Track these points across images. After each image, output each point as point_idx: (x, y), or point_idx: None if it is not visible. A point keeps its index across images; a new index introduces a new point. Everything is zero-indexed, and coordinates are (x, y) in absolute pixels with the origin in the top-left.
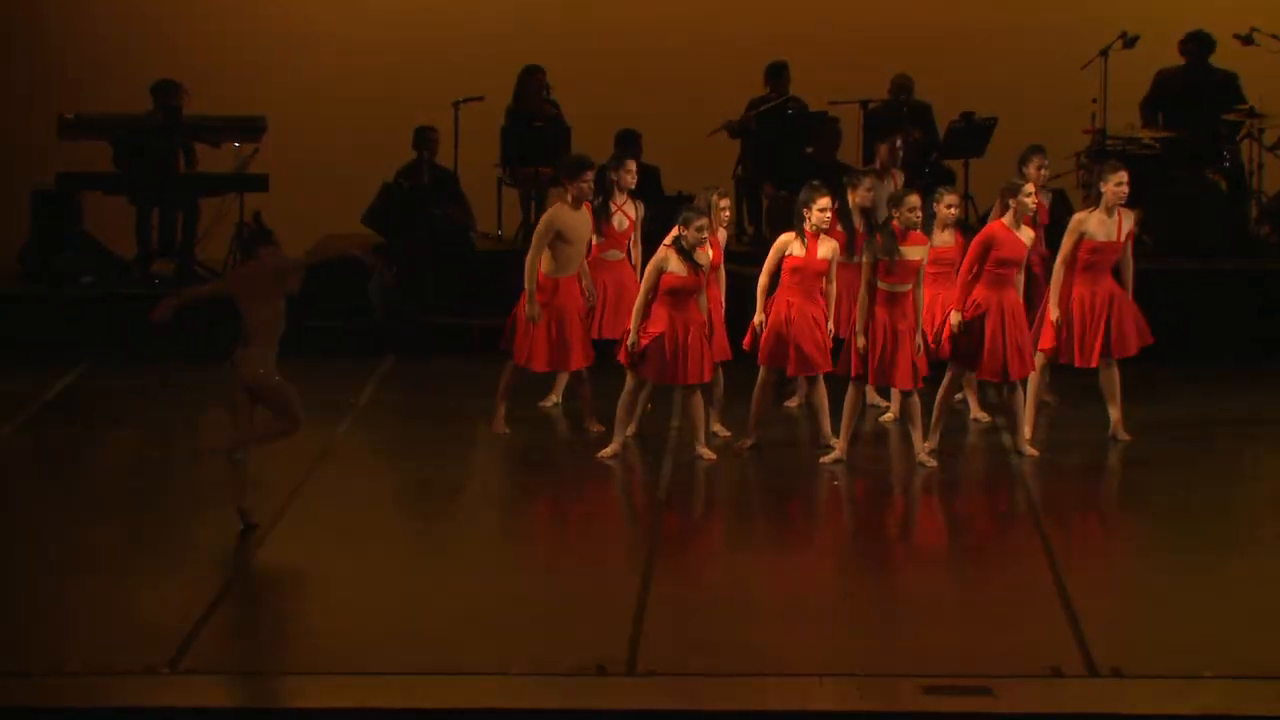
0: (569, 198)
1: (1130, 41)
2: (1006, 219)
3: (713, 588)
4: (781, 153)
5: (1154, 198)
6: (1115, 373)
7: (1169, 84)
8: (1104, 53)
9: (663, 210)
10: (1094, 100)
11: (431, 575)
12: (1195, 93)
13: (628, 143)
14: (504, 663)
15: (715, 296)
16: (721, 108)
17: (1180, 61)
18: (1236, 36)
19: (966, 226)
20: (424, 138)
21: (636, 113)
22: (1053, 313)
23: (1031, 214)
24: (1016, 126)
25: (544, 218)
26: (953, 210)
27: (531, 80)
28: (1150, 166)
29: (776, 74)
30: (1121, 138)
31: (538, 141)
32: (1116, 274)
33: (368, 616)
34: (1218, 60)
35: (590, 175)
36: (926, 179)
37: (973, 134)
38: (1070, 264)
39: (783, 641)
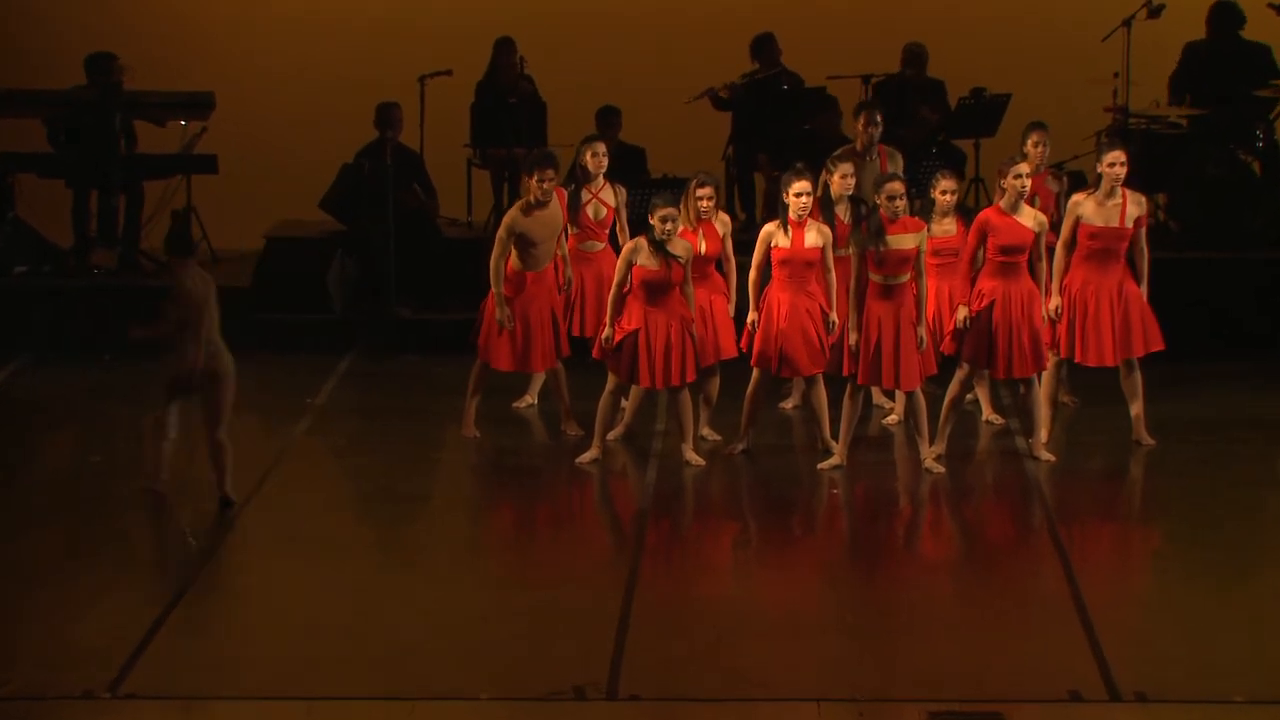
0: (530, 196)
1: (1156, 10)
2: (1002, 203)
3: (701, 604)
4: (777, 129)
5: (1180, 181)
6: (1137, 372)
7: (1197, 58)
8: (1127, 23)
9: (649, 195)
10: (1115, 75)
11: (394, 590)
12: (1225, 67)
13: (607, 122)
14: (473, 686)
15: (718, 288)
16: (711, 82)
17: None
18: (1271, 5)
19: (968, 212)
20: (387, 115)
21: (619, 89)
22: (1051, 300)
23: (1023, 195)
24: (1031, 103)
25: (504, 219)
26: (948, 196)
27: (505, 53)
28: (1177, 147)
29: (763, 47)
30: (1145, 116)
31: (511, 120)
32: (1133, 264)
33: (323, 635)
34: (1250, 33)
35: (550, 173)
36: (933, 160)
37: (984, 111)
38: (1070, 249)
39: (776, 663)
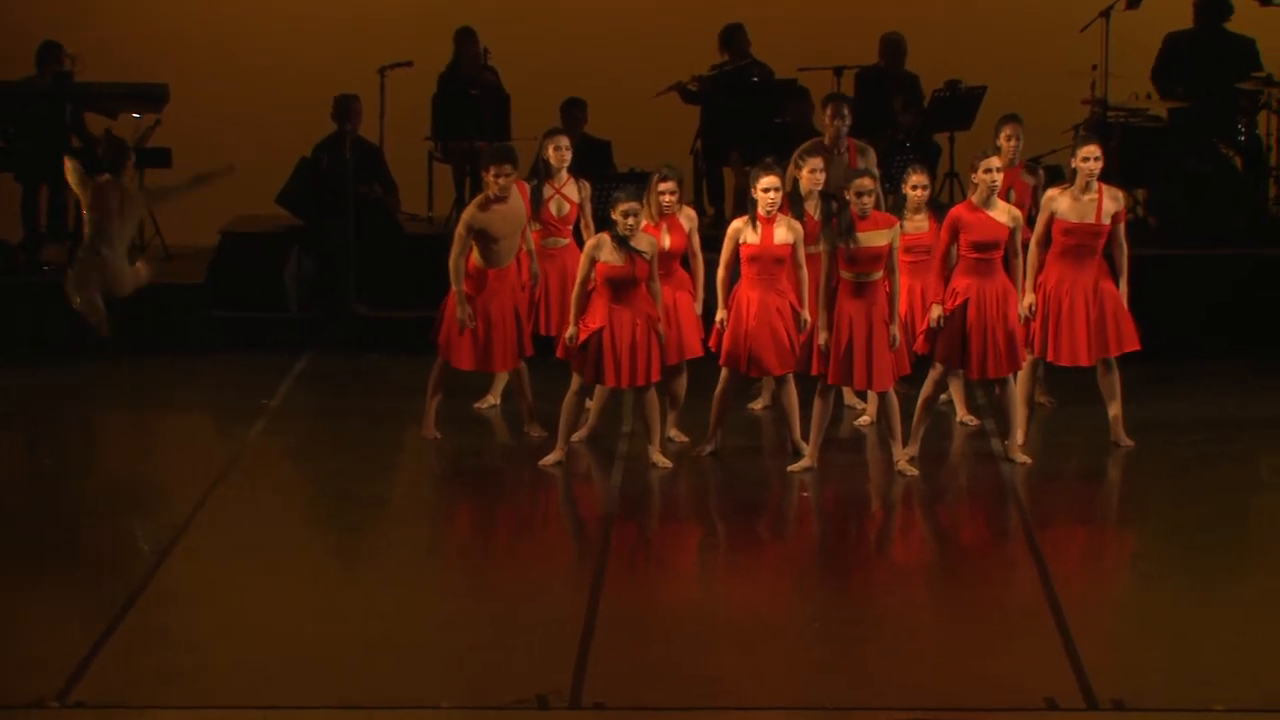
0: (488, 191)
1: (1135, 1)
2: (974, 198)
3: (667, 610)
4: (747, 122)
5: (1161, 175)
6: (1115, 372)
7: (1178, 49)
8: (1105, 14)
9: (614, 190)
10: (1094, 67)
11: (352, 597)
12: (1208, 59)
13: (571, 114)
14: (433, 695)
15: (683, 285)
16: (679, 75)
17: (1190, 24)
18: None
19: (941, 208)
20: (346, 108)
21: (584, 81)
22: (1025, 298)
23: (994, 190)
24: (1008, 96)
25: (463, 215)
26: (919, 192)
27: (467, 44)
28: (1158, 140)
29: (732, 38)
30: (1125, 108)
31: (473, 112)
32: (1112, 261)
33: (279, 643)
34: (1234, 24)
35: (507, 168)
36: (906, 155)
37: (959, 104)
38: (1044, 245)
39: (745, 671)
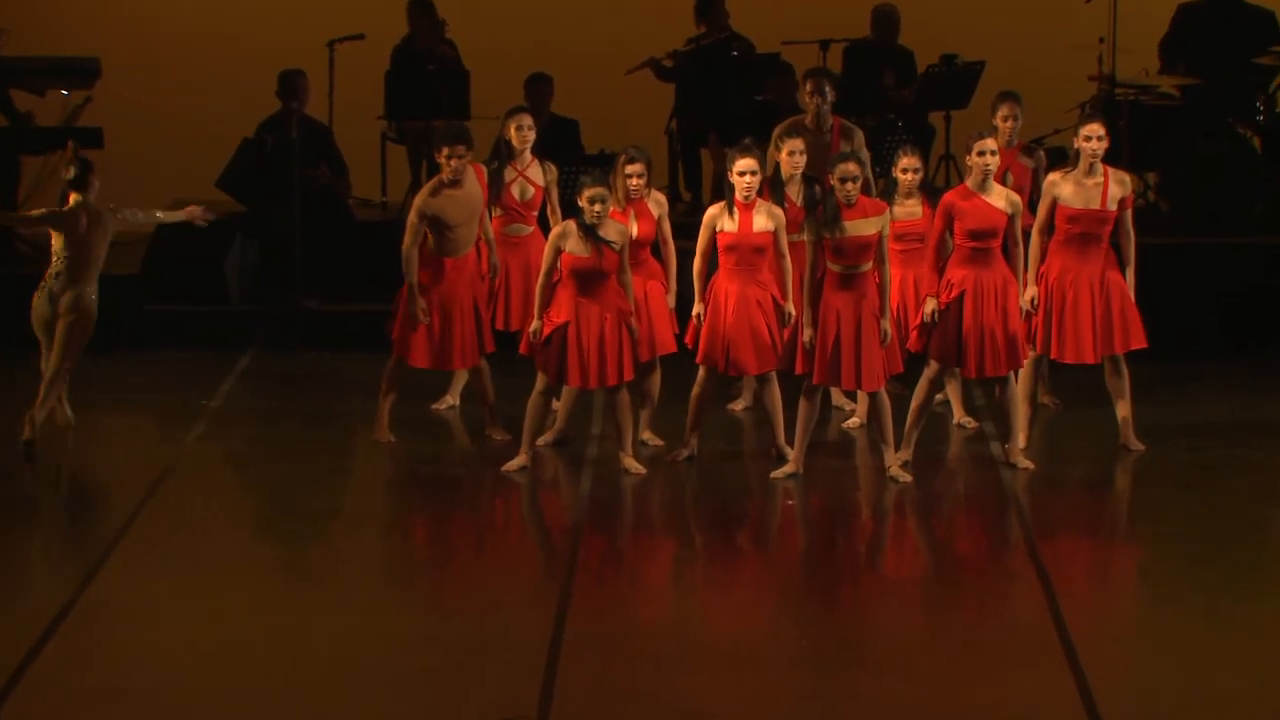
0: (441, 176)
1: None
2: (969, 182)
3: (639, 629)
4: (726, 100)
5: (1173, 157)
6: (1125, 371)
7: (1192, 21)
8: None
9: (583, 173)
10: (1101, 40)
11: (300, 614)
12: (1224, 32)
13: (536, 91)
14: (390, 719)
15: (654, 275)
16: (653, 49)
17: None
18: None
19: (935, 193)
20: (292, 85)
21: (550, 54)
22: (1027, 291)
23: (989, 174)
24: (1007, 72)
25: (414, 202)
26: (910, 175)
27: (423, 15)
28: (1169, 120)
29: (710, 9)
30: (1134, 85)
31: (430, 89)
32: (1119, 250)
33: (221, 664)
34: None
35: (461, 149)
36: (898, 136)
37: (955, 81)
38: (1046, 233)
39: (722, 696)
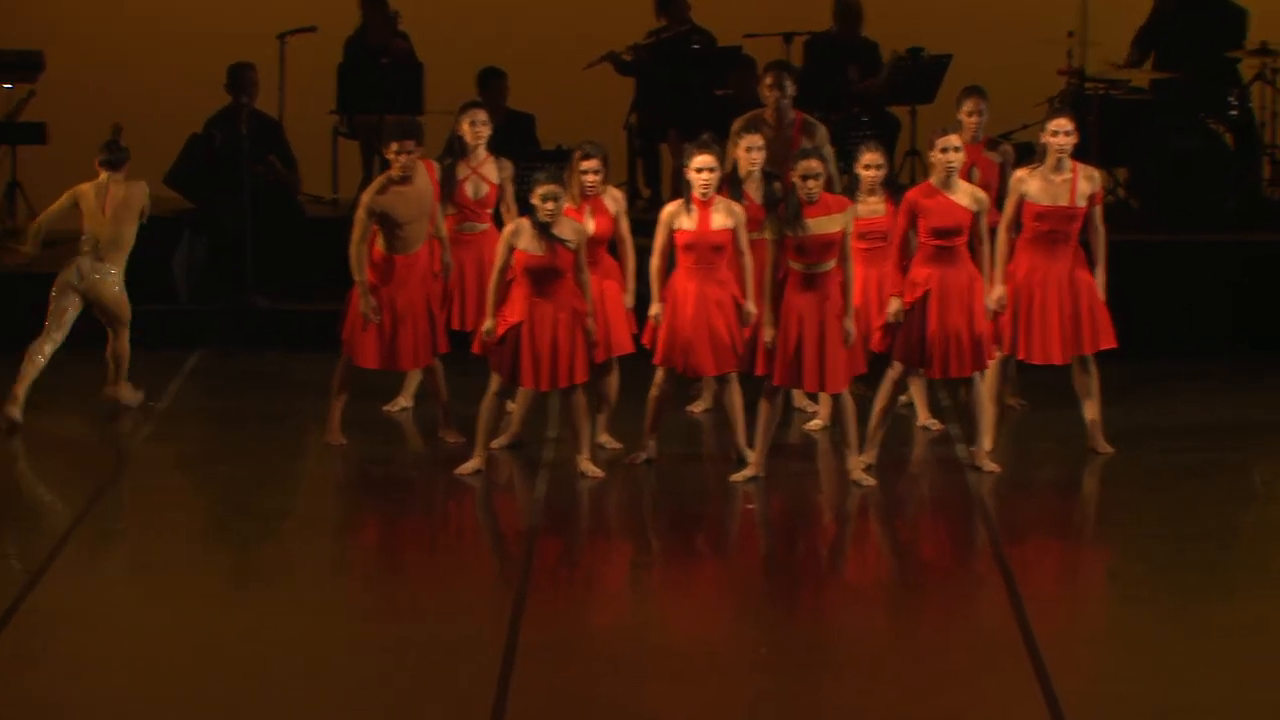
0: (390, 172)
1: None
2: (933, 179)
3: (596, 636)
4: (686, 94)
5: (1144, 153)
6: (1093, 371)
7: (1164, 14)
8: None
9: (539, 170)
10: (1070, 34)
11: (249, 619)
12: (1197, 26)
13: (491, 85)
14: None
15: (611, 274)
16: (611, 42)
17: None
18: None
19: (899, 189)
20: (241, 78)
21: (506, 48)
22: (995, 290)
23: (953, 171)
24: (975, 66)
25: (361, 198)
26: (872, 172)
27: (375, 8)
28: (1140, 115)
29: (670, 1)
30: (1105, 80)
31: (383, 83)
32: (1088, 248)
33: (169, 671)
34: None
35: (410, 144)
36: (863, 131)
37: (921, 74)
38: (1013, 231)
39: (682, 704)
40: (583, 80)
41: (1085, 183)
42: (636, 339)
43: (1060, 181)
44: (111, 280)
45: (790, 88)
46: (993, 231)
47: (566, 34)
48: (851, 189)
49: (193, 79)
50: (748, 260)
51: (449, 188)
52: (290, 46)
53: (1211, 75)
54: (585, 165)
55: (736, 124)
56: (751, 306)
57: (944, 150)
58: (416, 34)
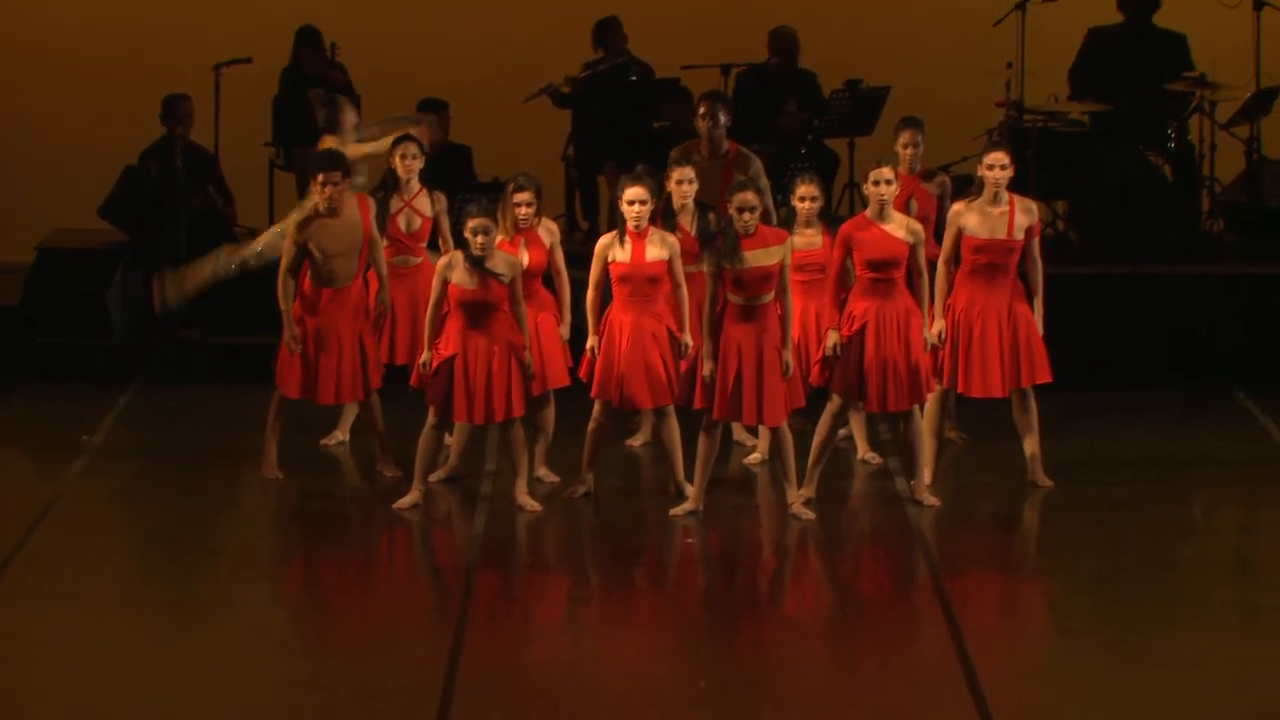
0: (317, 205)
1: None
2: (868, 211)
3: (535, 671)
4: (623, 126)
5: (1082, 186)
6: (1033, 405)
7: (1103, 46)
8: (1021, 6)
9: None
10: (1009, 65)
11: (182, 657)
12: (1135, 57)
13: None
14: None
15: (546, 306)
16: (548, 72)
17: (1117, 19)
18: None
19: (836, 222)
20: (176, 109)
21: (442, 79)
22: (935, 324)
23: (887, 204)
24: (914, 97)
25: (287, 228)
26: (808, 204)
27: (310, 42)
28: (1078, 147)
29: (607, 32)
30: (1043, 111)
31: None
32: (1026, 281)
33: (98, 711)
34: (1163, 18)
35: (336, 176)
36: (801, 163)
37: (860, 106)
38: (952, 264)
39: None
40: (521, 112)
41: (1023, 215)
42: (573, 372)
43: (998, 214)
44: None
45: (724, 118)
46: (932, 264)
47: (504, 66)
48: (788, 221)
49: (127, 110)
50: (683, 292)
51: (382, 222)
52: (226, 78)
53: (1150, 108)
54: (519, 198)
55: (673, 156)
56: (688, 338)
57: (876, 183)
58: (353, 65)
